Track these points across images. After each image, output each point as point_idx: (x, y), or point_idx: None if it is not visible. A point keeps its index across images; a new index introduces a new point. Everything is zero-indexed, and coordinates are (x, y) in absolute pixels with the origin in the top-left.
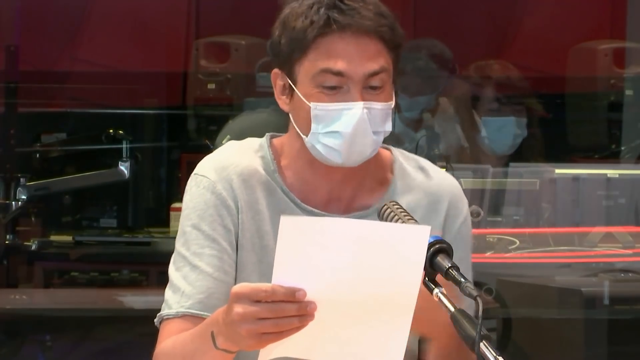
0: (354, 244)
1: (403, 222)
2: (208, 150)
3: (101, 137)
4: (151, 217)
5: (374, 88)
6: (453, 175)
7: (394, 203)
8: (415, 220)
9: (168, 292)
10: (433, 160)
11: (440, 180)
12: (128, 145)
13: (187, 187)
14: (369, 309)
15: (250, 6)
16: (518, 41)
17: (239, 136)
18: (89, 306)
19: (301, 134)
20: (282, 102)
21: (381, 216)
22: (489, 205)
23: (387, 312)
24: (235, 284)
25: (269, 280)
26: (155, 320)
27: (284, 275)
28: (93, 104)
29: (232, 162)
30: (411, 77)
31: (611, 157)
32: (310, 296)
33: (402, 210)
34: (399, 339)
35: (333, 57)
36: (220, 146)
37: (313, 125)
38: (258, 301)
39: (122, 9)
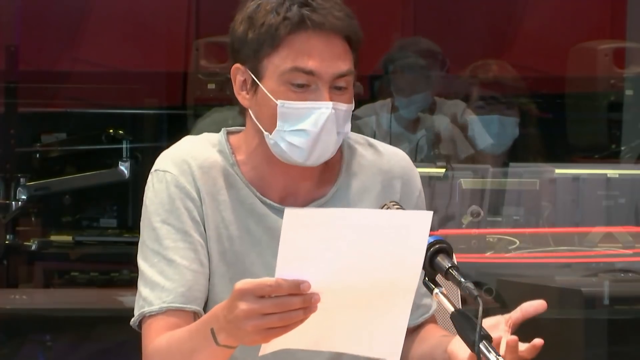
0: (356, 232)
1: None
2: None
3: (101, 137)
4: None
5: (339, 88)
6: (453, 175)
7: (394, 203)
8: None
9: (145, 289)
10: (433, 160)
11: (391, 157)
12: (128, 145)
13: (149, 184)
14: (371, 295)
15: None
16: (518, 41)
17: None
18: (89, 306)
19: (263, 131)
20: (242, 97)
21: None
22: (489, 205)
23: (389, 298)
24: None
25: (236, 269)
26: (132, 320)
27: (287, 268)
28: (93, 104)
29: (191, 155)
30: (403, 76)
31: (611, 157)
32: (313, 287)
33: (401, 210)
34: (401, 323)
35: (305, 55)
36: None
37: (279, 123)
38: (262, 296)
39: (122, 9)
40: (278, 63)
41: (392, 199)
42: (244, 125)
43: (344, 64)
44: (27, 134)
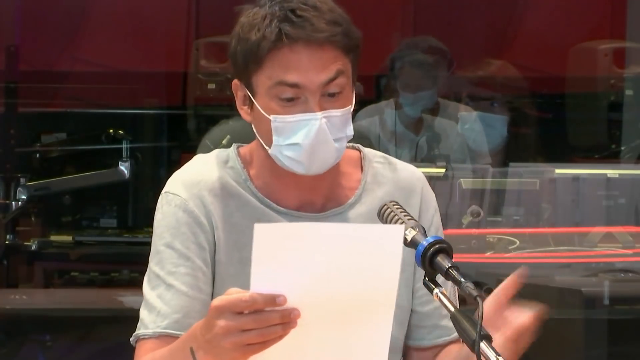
0: (329, 247)
1: (403, 222)
2: (208, 150)
3: (101, 137)
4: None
5: (332, 95)
6: (453, 175)
7: (394, 203)
8: (415, 220)
9: (143, 311)
10: (433, 160)
11: (408, 174)
12: (128, 145)
13: (159, 205)
14: (350, 310)
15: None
16: (518, 41)
17: (242, 138)
18: (89, 306)
19: (264, 145)
20: (244, 112)
21: (381, 216)
22: (489, 205)
23: (368, 313)
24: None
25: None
26: (131, 339)
27: (262, 284)
28: (93, 104)
29: (202, 178)
30: (410, 73)
31: (611, 157)
32: (290, 302)
33: (402, 210)
34: (382, 339)
35: (288, 68)
36: (219, 148)
37: (274, 138)
38: (239, 312)
39: (122, 9)
40: (264, 79)
41: (410, 214)
42: (248, 136)
43: (331, 69)
44: (27, 134)
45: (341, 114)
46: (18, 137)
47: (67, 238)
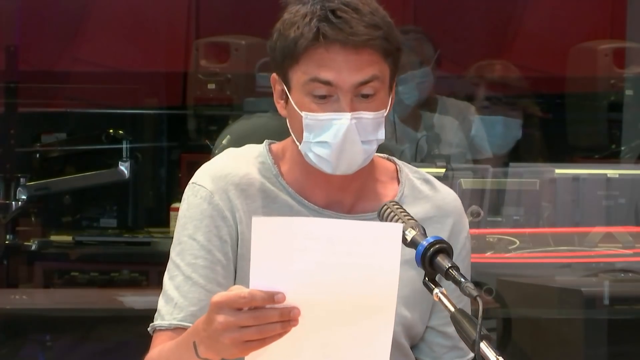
0: (328, 243)
1: (403, 222)
2: (208, 150)
3: (101, 137)
4: (151, 217)
5: (365, 96)
6: (453, 175)
7: (394, 203)
8: (416, 221)
9: (161, 301)
10: (433, 160)
11: (446, 195)
12: (128, 145)
13: (185, 196)
14: (350, 309)
15: (250, 6)
16: (518, 41)
17: (241, 138)
18: (89, 306)
19: (296, 141)
20: (280, 106)
21: (381, 216)
22: (489, 205)
23: (368, 312)
24: None
25: None
26: (148, 328)
27: (261, 279)
28: (93, 104)
29: (229, 172)
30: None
31: (611, 157)
32: (289, 298)
33: (402, 210)
34: (383, 339)
35: (323, 67)
36: (220, 148)
37: (305, 134)
38: (239, 309)
39: (122, 9)
40: (300, 75)
41: (441, 234)
42: (271, 134)
43: (366, 72)
44: (27, 134)
45: (373, 116)
46: (18, 137)
47: (67, 238)
